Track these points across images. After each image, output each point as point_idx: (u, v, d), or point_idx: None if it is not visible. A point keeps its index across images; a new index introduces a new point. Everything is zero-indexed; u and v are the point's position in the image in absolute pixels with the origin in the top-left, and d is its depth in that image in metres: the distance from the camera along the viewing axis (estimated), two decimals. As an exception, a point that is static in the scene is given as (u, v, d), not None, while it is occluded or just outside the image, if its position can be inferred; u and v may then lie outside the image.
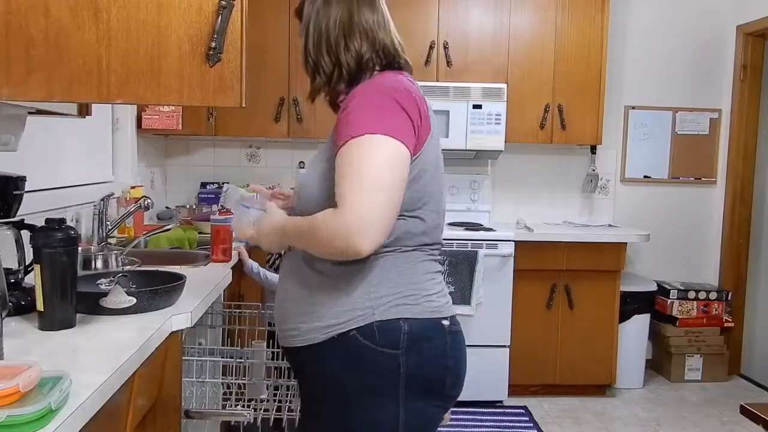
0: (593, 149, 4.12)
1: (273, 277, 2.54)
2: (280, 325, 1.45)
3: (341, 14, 1.41)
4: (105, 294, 1.47)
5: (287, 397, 1.92)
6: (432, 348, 1.35)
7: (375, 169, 1.22)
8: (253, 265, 2.60)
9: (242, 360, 1.97)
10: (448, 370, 1.37)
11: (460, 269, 3.37)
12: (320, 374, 1.37)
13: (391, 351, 1.31)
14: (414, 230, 1.36)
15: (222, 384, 2.06)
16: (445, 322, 1.38)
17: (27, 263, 1.54)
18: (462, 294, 3.38)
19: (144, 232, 2.86)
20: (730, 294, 4.09)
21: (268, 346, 2.19)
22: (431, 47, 3.70)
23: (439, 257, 1.46)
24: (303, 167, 3.95)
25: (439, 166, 1.41)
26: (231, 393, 2.01)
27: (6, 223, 1.53)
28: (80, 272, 1.53)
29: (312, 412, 1.44)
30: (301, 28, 1.47)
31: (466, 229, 3.59)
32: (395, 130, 1.25)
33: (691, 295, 3.99)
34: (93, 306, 1.46)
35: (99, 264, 2.11)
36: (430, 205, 1.37)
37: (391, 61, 1.43)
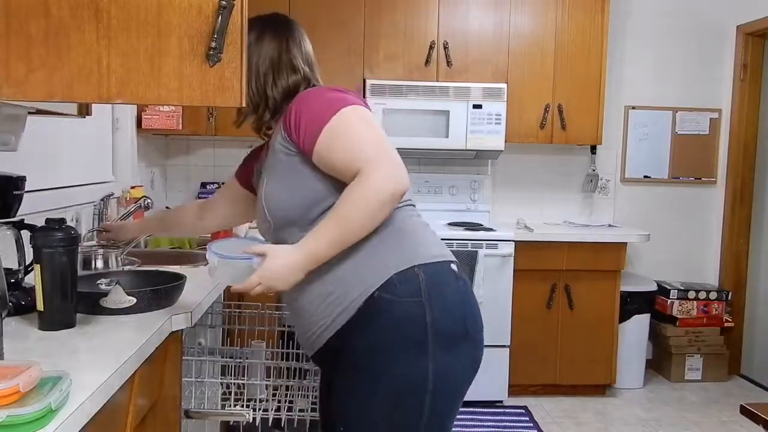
0: (593, 149, 4.13)
1: None
2: (305, 335, 1.48)
3: (271, 53, 1.54)
4: (105, 294, 1.47)
5: (286, 397, 1.92)
6: (451, 291, 1.41)
7: (364, 130, 1.38)
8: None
9: (242, 360, 1.97)
10: (467, 316, 1.43)
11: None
12: (355, 347, 1.39)
13: (414, 299, 1.35)
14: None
15: (221, 384, 2.06)
16: (454, 267, 1.45)
17: (27, 263, 1.54)
18: (462, 294, 3.38)
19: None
20: (730, 294, 4.09)
21: (267, 346, 2.19)
22: (431, 47, 3.70)
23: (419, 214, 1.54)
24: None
25: None
26: (230, 393, 2.01)
27: (6, 223, 1.53)
28: (80, 272, 1.53)
29: (352, 391, 1.41)
30: None
31: (466, 229, 3.59)
32: (351, 101, 1.42)
33: (691, 295, 3.99)
34: (93, 306, 1.46)
35: (99, 264, 2.11)
36: None
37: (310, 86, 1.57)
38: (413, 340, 1.35)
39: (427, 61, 3.71)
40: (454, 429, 3.33)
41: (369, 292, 1.36)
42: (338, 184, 1.39)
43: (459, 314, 1.41)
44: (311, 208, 1.43)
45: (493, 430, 3.29)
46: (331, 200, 1.40)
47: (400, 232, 1.43)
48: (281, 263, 1.36)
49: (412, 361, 1.35)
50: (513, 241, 3.51)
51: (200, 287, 1.86)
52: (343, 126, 1.37)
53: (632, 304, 3.84)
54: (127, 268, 2.08)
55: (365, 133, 1.38)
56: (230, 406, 1.99)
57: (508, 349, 3.54)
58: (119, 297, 1.47)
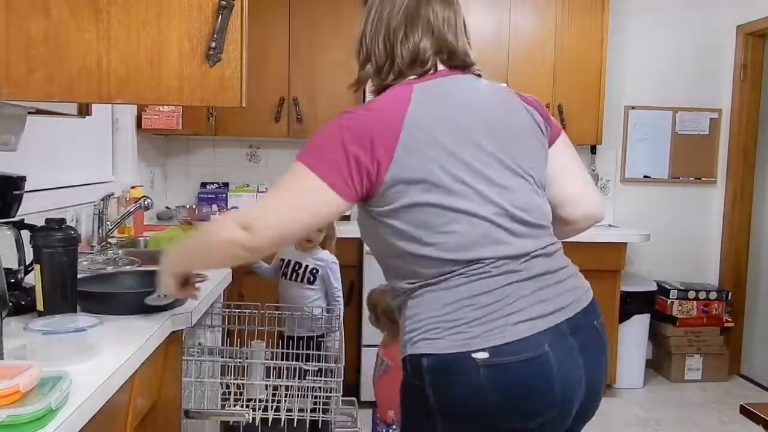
0: (593, 149, 4.12)
1: (264, 268, 2.85)
2: None
3: (408, 2, 1.34)
4: (150, 292, 1.46)
5: (286, 397, 1.92)
6: (462, 381, 1.22)
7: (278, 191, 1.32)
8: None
9: (241, 360, 1.97)
10: (488, 403, 1.21)
11: (460, 269, 3.36)
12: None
13: (418, 383, 1.26)
14: (432, 255, 1.25)
15: (221, 384, 2.06)
16: (479, 355, 1.21)
17: (27, 263, 1.54)
18: (462, 294, 3.37)
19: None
20: (730, 294, 4.09)
21: (267, 347, 2.19)
22: (431, 47, 3.70)
23: (499, 271, 1.25)
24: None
25: (465, 179, 1.26)
26: (230, 393, 2.01)
27: (6, 223, 1.53)
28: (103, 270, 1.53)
29: None
30: (364, 11, 1.41)
31: (466, 229, 3.59)
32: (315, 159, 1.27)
33: (691, 295, 3.99)
34: (138, 304, 1.47)
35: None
36: (450, 224, 1.24)
37: (454, 65, 1.42)
38: (420, 411, 1.29)
39: (427, 61, 3.71)
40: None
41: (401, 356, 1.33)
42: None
43: (473, 403, 1.23)
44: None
45: (493, 430, 3.29)
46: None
47: (429, 307, 1.26)
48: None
49: (421, 422, 1.30)
50: (513, 241, 3.51)
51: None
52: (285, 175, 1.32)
53: (632, 304, 3.84)
54: (126, 267, 2.08)
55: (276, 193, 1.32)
56: (230, 406, 1.99)
57: (508, 349, 3.54)
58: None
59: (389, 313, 2.43)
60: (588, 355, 1.33)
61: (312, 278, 2.77)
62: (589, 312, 1.40)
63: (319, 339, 2.55)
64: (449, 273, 1.25)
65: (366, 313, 3.44)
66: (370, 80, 1.44)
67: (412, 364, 1.27)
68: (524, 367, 1.22)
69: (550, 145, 1.45)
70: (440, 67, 1.40)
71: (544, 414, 1.26)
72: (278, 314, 2.25)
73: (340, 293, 2.83)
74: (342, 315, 2.48)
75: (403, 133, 1.23)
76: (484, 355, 1.21)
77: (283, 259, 2.84)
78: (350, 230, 3.57)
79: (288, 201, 1.28)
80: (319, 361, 1.96)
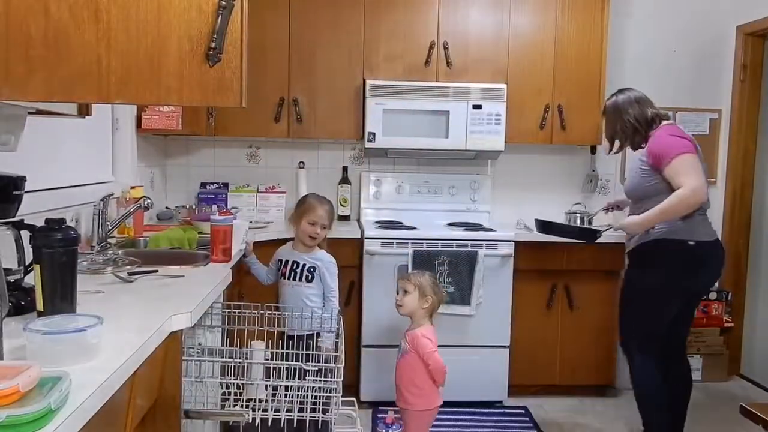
0: (593, 149, 4.13)
1: (260, 270, 2.89)
2: None
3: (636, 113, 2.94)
4: None
5: (286, 397, 1.92)
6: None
7: (689, 165, 2.76)
8: (252, 257, 2.86)
9: (241, 360, 1.97)
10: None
11: (460, 269, 3.37)
12: None
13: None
14: None
15: (221, 384, 2.06)
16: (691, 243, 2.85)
17: (27, 263, 1.54)
18: (462, 294, 3.38)
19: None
20: (730, 294, 4.09)
21: (267, 347, 2.19)
22: (431, 47, 3.70)
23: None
24: (303, 167, 3.96)
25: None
26: (230, 393, 2.01)
27: (6, 224, 1.53)
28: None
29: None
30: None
31: (466, 230, 3.59)
32: (688, 149, 2.79)
33: (691, 295, 3.98)
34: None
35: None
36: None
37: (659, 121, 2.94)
38: None
39: (427, 62, 3.71)
40: (454, 429, 3.32)
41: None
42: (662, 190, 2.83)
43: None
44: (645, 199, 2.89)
45: (493, 430, 3.29)
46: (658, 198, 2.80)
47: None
48: (631, 222, 2.90)
49: None
50: (513, 241, 3.51)
51: (200, 287, 1.86)
52: (679, 162, 2.75)
53: (632, 304, 3.83)
54: (126, 268, 2.08)
55: (689, 166, 2.77)
56: (230, 406, 1.99)
57: (507, 349, 3.54)
58: None
59: (433, 284, 2.87)
60: None
61: (310, 276, 2.79)
62: None
63: (318, 338, 2.55)
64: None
65: (366, 313, 3.45)
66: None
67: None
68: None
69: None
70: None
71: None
72: (278, 315, 2.25)
73: (335, 295, 2.82)
74: (339, 315, 2.47)
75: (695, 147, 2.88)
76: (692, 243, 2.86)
77: (281, 260, 2.85)
78: (350, 230, 3.58)
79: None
80: (318, 361, 1.96)
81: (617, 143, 3.03)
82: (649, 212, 2.81)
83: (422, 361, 2.74)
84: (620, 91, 3.05)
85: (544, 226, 3.38)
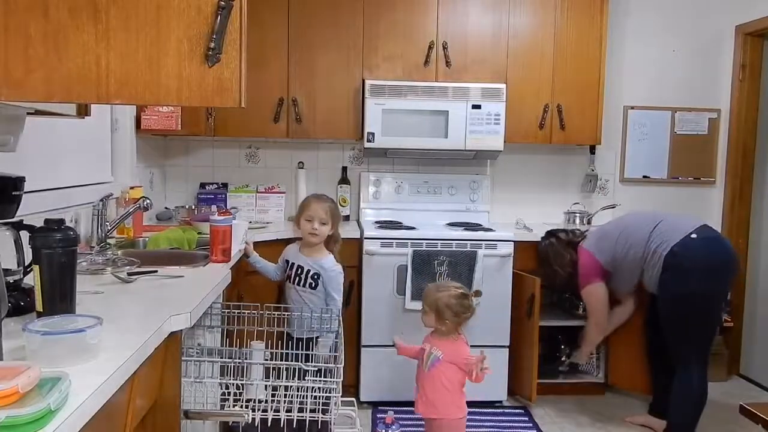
0: (592, 149, 4.13)
1: (268, 267, 2.87)
2: None
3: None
4: None
5: (285, 397, 1.92)
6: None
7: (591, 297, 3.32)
8: (254, 254, 2.85)
9: (241, 360, 1.97)
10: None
11: (460, 269, 3.37)
12: None
13: None
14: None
15: (221, 384, 2.06)
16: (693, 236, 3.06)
17: (26, 264, 1.54)
18: (461, 294, 3.38)
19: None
20: (729, 294, 4.08)
21: (266, 347, 2.19)
22: (430, 47, 3.70)
23: None
24: (302, 167, 3.96)
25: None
26: (229, 393, 2.01)
27: (5, 224, 1.53)
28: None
29: None
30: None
31: (465, 229, 3.59)
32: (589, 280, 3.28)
33: (691, 295, 3.98)
34: None
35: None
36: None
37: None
38: None
39: (426, 62, 3.71)
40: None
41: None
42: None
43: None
44: None
45: (493, 430, 3.29)
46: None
47: None
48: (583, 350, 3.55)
49: None
50: (512, 241, 3.51)
51: (199, 288, 1.86)
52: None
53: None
54: (126, 268, 2.07)
55: None
56: (229, 406, 1.99)
57: (507, 349, 3.54)
58: None
59: (453, 306, 2.66)
60: None
61: (314, 283, 2.75)
62: None
63: (319, 340, 2.55)
64: None
65: (366, 313, 3.45)
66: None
67: None
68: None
69: None
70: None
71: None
72: (277, 315, 2.25)
73: (337, 305, 2.72)
74: (340, 319, 2.46)
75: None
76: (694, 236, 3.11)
77: (287, 261, 2.83)
78: (350, 231, 3.57)
79: None
80: (318, 362, 1.96)
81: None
82: (586, 336, 3.45)
83: (461, 370, 2.64)
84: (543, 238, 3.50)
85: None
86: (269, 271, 2.88)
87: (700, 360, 3.05)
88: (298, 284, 2.77)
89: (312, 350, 2.31)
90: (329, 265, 2.77)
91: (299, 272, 2.77)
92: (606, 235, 3.25)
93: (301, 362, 1.92)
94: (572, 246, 3.34)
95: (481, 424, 3.33)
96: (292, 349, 2.08)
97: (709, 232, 3.05)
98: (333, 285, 2.76)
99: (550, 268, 3.40)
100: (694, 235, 2.97)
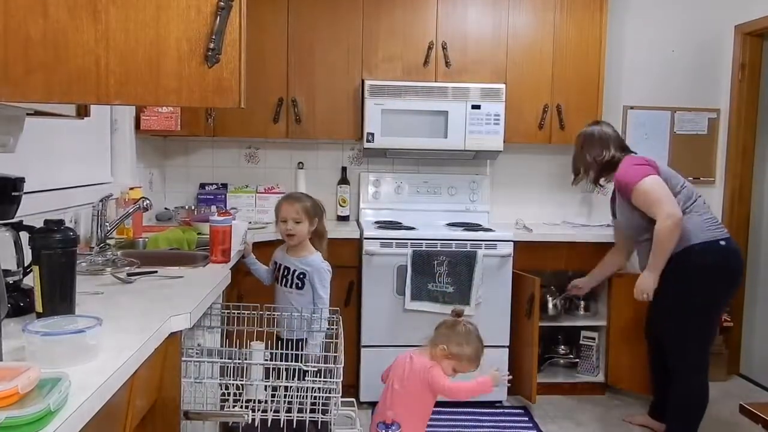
0: (592, 149, 4.12)
1: (261, 270, 2.83)
2: None
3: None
4: None
5: (285, 397, 1.92)
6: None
7: (652, 191, 2.92)
8: (251, 256, 2.81)
9: (241, 361, 1.97)
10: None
11: (460, 269, 3.37)
12: None
13: None
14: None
15: (221, 385, 2.06)
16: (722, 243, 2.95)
17: (26, 264, 1.54)
18: (461, 294, 3.37)
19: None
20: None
21: (266, 348, 2.19)
22: (430, 48, 3.70)
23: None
24: (302, 168, 3.96)
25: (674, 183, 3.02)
26: (229, 394, 2.01)
27: (5, 225, 1.53)
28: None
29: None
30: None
31: (465, 230, 3.59)
32: (645, 173, 2.94)
33: (690, 294, 3.98)
34: None
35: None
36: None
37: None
38: None
39: (426, 62, 3.71)
40: (454, 429, 3.31)
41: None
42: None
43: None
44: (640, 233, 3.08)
45: (493, 430, 3.29)
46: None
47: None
48: (646, 278, 3.01)
49: None
50: (512, 241, 3.51)
51: (199, 288, 1.86)
52: (644, 191, 2.93)
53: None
54: (126, 269, 2.07)
55: (657, 193, 2.92)
56: (229, 407, 1.99)
57: (507, 349, 3.54)
58: None
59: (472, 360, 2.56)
60: None
61: (300, 283, 2.69)
62: None
63: (308, 341, 2.53)
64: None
65: (366, 313, 3.45)
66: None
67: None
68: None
69: None
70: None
71: None
72: (276, 316, 2.25)
73: (324, 303, 2.65)
74: (326, 319, 2.43)
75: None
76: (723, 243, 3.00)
77: (275, 262, 2.81)
78: (349, 231, 3.57)
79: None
80: (318, 362, 1.96)
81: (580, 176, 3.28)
82: (650, 262, 2.97)
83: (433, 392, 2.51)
84: (595, 123, 3.27)
85: None
86: (261, 275, 2.84)
87: (699, 365, 3.04)
88: (285, 285, 2.72)
89: (302, 351, 2.31)
90: (317, 263, 2.70)
91: (285, 273, 2.72)
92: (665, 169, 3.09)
93: (301, 363, 1.92)
94: (620, 149, 3.13)
95: (481, 424, 3.33)
96: (287, 349, 2.08)
97: (734, 243, 3.05)
98: (318, 281, 2.67)
99: (581, 152, 3.20)
100: (722, 242, 2.94)
